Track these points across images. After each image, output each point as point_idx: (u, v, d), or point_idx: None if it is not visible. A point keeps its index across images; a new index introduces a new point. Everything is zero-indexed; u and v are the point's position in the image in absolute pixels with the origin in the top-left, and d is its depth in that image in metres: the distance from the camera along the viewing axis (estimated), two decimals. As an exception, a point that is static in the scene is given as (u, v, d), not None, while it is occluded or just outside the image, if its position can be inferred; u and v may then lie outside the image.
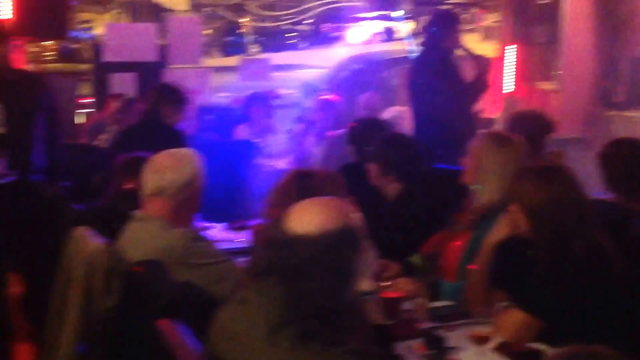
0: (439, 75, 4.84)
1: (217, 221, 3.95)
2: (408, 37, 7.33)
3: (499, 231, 2.59)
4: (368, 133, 3.87)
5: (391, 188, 3.44)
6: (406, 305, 2.60)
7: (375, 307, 2.56)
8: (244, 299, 1.68)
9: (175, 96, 4.60)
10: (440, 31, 4.88)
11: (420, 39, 5.12)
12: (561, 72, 6.63)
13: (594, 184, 3.33)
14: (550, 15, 6.72)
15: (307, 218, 1.67)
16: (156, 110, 4.48)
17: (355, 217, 1.72)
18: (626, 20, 6.41)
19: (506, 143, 2.90)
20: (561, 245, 2.34)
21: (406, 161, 3.39)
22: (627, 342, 2.32)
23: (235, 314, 1.67)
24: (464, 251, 2.84)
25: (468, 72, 5.07)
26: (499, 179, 2.77)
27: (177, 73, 7.46)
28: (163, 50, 7.54)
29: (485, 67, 5.10)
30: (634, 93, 6.39)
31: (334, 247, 1.64)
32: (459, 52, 4.99)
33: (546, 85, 6.81)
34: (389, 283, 2.75)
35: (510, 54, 6.82)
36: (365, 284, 2.18)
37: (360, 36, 8.37)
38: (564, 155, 4.06)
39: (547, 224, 2.36)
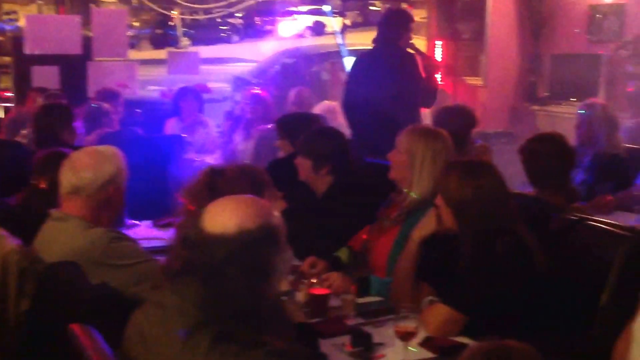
0: (398, 72, 4.84)
1: (145, 219, 3.84)
2: (338, 32, 7.33)
3: (425, 225, 2.59)
4: (297, 127, 3.82)
5: (321, 182, 3.37)
6: (334, 302, 2.58)
7: (299, 304, 2.55)
8: (160, 301, 1.62)
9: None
10: (396, 29, 4.91)
11: (373, 35, 5.06)
12: (487, 67, 6.76)
13: (518, 178, 3.42)
14: (476, 12, 6.84)
15: (224, 216, 1.62)
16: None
17: (275, 215, 1.68)
18: (547, 18, 6.59)
19: (433, 138, 2.90)
20: (485, 241, 2.37)
21: (338, 153, 3.34)
22: (549, 336, 2.39)
23: (151, 317, 1.61)
24: (393, 246, 2.83)
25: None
26: (427, 173, 2.79)
27: (102, 66, 7.26)
28: (88, 43, 7.32)
29: (433, 67, 5.17)
30: (555, 89, 6.58)
31: (252, 246, 1.59)
32: (409, 51, 5.03)
33: (473, 81, 6.93)
34: (316, 280, 2.70)
35: (437, 49, 6.90)
36: (283, 284, 2.18)
37: (291, 30, 8.33)
38: (489, 149, 4.12)
39: (472, 219, 2.39)
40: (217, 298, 1.55)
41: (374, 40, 5.05)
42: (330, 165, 3.30)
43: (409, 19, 5.06)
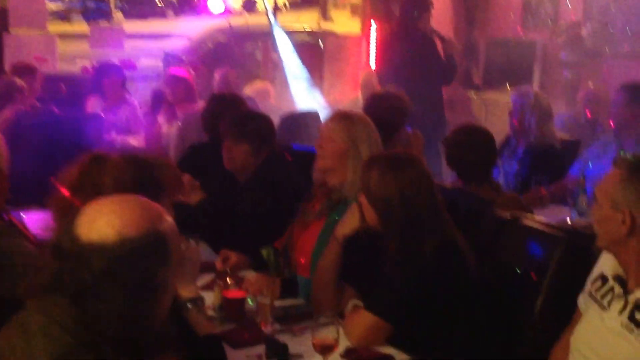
0: (425, 55, 5.15)
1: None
2: (269, 11, 7.06)
3: (348, 223, 2.41)
4: (222, 110, 3.57)
5: (249, 169, 3.14)
6: (252, 306, 2.38)
7: (212, 308, 2.34)
8: (23, 322, 1.36)
9: None
10: (418, 13, 5.15)
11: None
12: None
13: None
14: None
15: (102, 222, 1.37)
16: None
17: (166, 220, 1.43)
18: (482, 3, 6.50)
19: (370, 125, 2.71)
20: (411, 241, 2.21)
21: (273, 136, 3.15)
22: (481, 343, 2.25)
23: (12, 340, 1.34)
24: (316, 243, 2.63)
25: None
26: (356, 163, 2.59)
27: (19, 39, 6.80)
28: (3, 14, 6.84)
29: (452, 49, 5.33)
30: (490, 75, 6.52)
31: (135, 257, 1.35)
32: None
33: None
34: (232, 281, 2.49)
35: (372, 31, 6.72)
36: (189, 290, 1.94)
37: (221, 6, 8.00)
38: (421, 137, 3.97)
39: (397, 217, 2.23)
40: (91, 319, 1.31)
41: (399, 25, 5.24)
42: (269, 148, 3.08)
43: (429, 3, 5.25)
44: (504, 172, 4.14)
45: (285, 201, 3.02)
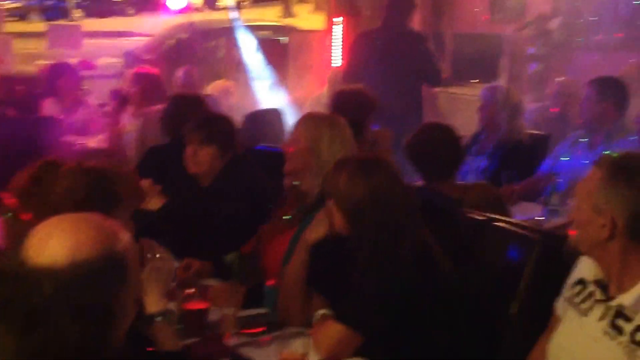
0: (415, 54, 5.10)
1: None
2: (232, 6, 6.90)
3: (317, 228, 2.31)
4: (183, 112, 3.44)
5: (214, 172, 3.02)
6: (215, 316, 2.27)
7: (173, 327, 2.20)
8: None
9: None
10: (404, 12, 5.14)
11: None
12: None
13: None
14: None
15: (52, 242, 1.28)
16: None
17: (122, 240, 1.33)
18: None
19: (340, 125, 2.61)
20: (383, 247, 2.11)
21: (236, 137, 3.05)
22: (455, 351, 2.15)
23: None
24: (287, 250, 2.52)
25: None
26: (317, 164, 2.50)
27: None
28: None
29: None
30: (457, 69, 6.46)
31: (89, 281, 1.26)
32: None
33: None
34: (194, 291, 2.36)
35: (337, 26, 6.60)
36: (158, 304, 1.82)
37: (181, 3, 7.81)
38: (389, 134, 3.87)
39: (366, 222, 2.13)
40: (40, 350, 1.17)
41: (385, 23, 5.17)
42: (233, 150, 2.99)
43: (413, 3, 5.24)
44: (473, 169, 4.07)
45: (251, 205, 2.92)
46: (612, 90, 3.86)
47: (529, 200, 3.78)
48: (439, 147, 3.04)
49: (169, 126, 3.54)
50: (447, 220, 2.60)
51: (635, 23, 5.60)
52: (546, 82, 5.60)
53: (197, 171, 3.04)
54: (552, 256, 2.27)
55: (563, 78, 4.91)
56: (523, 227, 2.51)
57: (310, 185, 2.55)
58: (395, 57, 4.98)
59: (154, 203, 3.11)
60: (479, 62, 6.15)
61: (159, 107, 4.59)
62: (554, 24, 5.80)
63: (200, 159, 3.00)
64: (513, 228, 2.52)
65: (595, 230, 1.81)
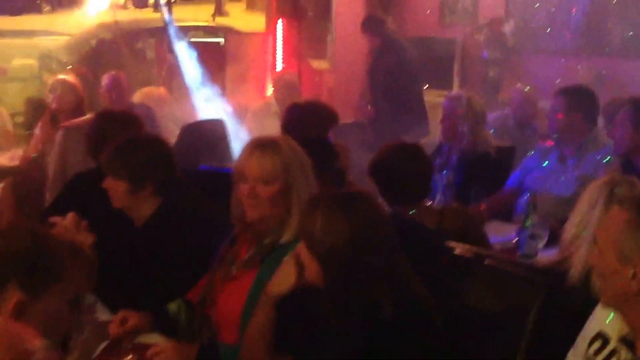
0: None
1: None
2: (162, 4, 6.40)
3: (283, 277, 2.02)
4: (111, 132, 2.97)
5: (144, 208, 2.62)
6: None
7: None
8: None
9: None
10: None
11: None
12: (334, 49, 6.26)
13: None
14: (320, -13, 6.30)
15: None
16: None
17: (35, 348, 1.08)
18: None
19: (292, 151, 2.24)
20: (364, 300, 1.87)
21: (161, 166, 2.62)
22: None
23: None
24: (247, 300, 2.19)
25: None
26: (294, 200, 2.17)
27: None
28: None
29: None
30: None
31: None
32: None
33: (318, 64, 6.40)
34: (132, 355, 2.07)
35: (278, 28, 6.25)
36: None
37: (108, 0, 7.28)
38: (348, 150, 3.51)
39: (346, 271, 1.87)
40: None
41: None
42: (153, 185, 2.58)
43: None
44: (437, 184, 3.79)
45: (196, 243, 2.51)
46: (581, 101, 3.66)
47: (499, 218, 3.54)
48: (409, 169, 2.78)
49: (94, 149, 3.07)
50: (430, 257, 2.34)
51: (590, 27, 5.50)
52: (499, 87, 5.44)
53: (119, 207, 2.65)
54: (557, 302, 2.08)
55: (521, 84, 4.69)
56: (517, 265, 2.27)
57: (273, 223, 2.21)
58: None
59: (80, 241, 2.66)
60: (431, 68, 5.92)
61: (80, 119, 4.13)
62: (508, 27, 5.62)
63: (114, 193, 2.63)
64: (507, 267, 2.24)
65: (623, 282, 1.61)
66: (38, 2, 13.91)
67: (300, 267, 1.95)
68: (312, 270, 1.91)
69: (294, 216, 2.15)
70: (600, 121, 3.83)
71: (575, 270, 2.08)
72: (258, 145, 2.22)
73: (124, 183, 2.59)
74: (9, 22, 9.03)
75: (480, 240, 2.79)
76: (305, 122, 3.16)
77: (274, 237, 2.20)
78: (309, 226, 1.92)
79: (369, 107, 5.51)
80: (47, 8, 13.96)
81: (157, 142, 2.72)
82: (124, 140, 2.68)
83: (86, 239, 2.70)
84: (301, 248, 1.95)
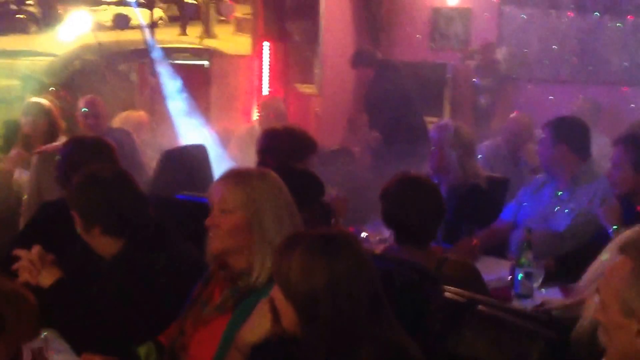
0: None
1: None
2: (145, 26, 6.25)
3: (255, 325, 1.89)
4: (81, 161, 2.80)
5: (104, 245, 2.46)
6: None
7: None
8: None
9: None
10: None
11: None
12: (321, 74, 6.11)
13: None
14: (308, 10, 6.19)
15: None
16: None
17: None
18: (387, 21, 6.11)
19: (267, 184, 2.11)
20: (343, 351, 1.73)
21: (111, 209, 2.42)
22: None
23: None
24: (220, 345, 2.06)
25: None
26: (262, 239, 2.04)
27: None
28: None
29: None
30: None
31: None
32: None
33: (306, 88, 6.25)
34: None
35: (265, 52, 6.10)
36: None
37: (91, 21, 7.14)
38: (346, 200, 3.34)
39: (324, 319, 1.74)
40: None
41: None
42: (101, 226, 2.41)
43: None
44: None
45: (165, 284, 2.34)
46: (566, 133, 3.51)
47: (492, 254, 3.38)
48: (419, 207, 2.64)
49: (63, 177, 2.90)
50: (419, 302, 2.19)
51: (585, 54, 5.39)
52: (491, 115, 5.29)
53: (87, 241, 2.48)
54: (558, 354, 1.93)
55: (516, 114, 4.54)
56: (517, 314, 2.09)
57: (247, 264, 2.07)
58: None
59: (45, 278, 2.48)
60: (420, 93, 5.77)
61: (55, 145, 3.96)
62: (500, 53, 5.49)
63: (78, 227, 2.47)
64: (506, 317, 2.07)
65: (628, 337, 1.47)
66: (24, 22, 13.81)
67: (274, 313, 1.82)
68: (287, 317, 1.78)
69: (256, 254, 2.02)
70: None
71: (584, 319, 1.91)
72: (228, 175, 2.13)
73: (78, 218, 2.44)
74: (-6, 43, 8.85)
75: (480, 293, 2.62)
76: (280, 148, 3.02)
77: (248, 279, 2.06)
78: (285, 269, 1.76)
79: (374, 132, 5.36)
80: (33, 28, 13.85)
81: (119, 181, 2.48)
82: (87, 174, 2.50)
83: (51, 274, 2.54)
84: (276, 293, 1.80)
